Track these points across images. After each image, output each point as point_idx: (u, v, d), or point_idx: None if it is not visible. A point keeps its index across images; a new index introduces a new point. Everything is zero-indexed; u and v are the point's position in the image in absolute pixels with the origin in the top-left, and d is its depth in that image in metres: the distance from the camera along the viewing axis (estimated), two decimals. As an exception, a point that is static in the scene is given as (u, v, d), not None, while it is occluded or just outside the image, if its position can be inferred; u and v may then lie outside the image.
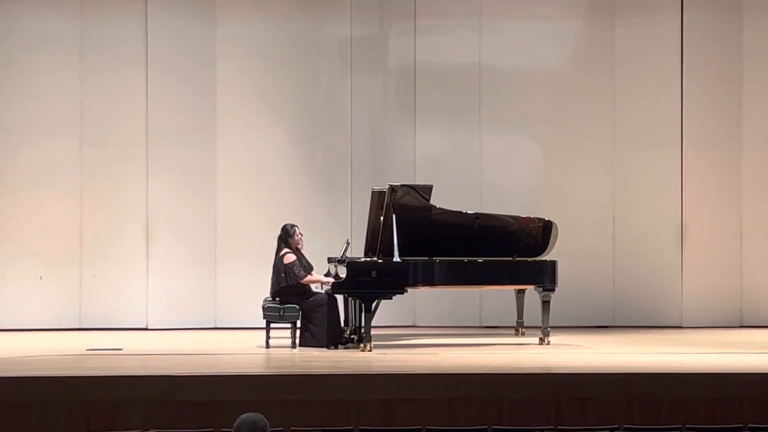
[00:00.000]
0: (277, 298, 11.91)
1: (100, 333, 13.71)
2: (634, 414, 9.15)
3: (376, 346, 11.67)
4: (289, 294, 11.86)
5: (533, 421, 8.95)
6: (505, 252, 12.24)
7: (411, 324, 14.56)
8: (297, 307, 11.81)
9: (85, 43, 14.37)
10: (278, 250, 11.99)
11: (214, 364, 10.72)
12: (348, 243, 12.50)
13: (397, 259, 11.61)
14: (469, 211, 12.40)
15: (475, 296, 14.54)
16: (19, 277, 14.17)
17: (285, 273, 11.83)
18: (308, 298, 11.90)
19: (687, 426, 8.43)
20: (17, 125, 14.29)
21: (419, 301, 14.41)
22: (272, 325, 11.94)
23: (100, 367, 10.33)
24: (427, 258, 11.86)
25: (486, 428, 8.33)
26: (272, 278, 12.00)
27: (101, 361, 10.87)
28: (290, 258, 11.89)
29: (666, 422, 8.94)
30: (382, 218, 11.95)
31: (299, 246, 12.06)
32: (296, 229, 12.06)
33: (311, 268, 12.03)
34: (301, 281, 11.84)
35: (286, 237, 12.01)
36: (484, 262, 12.05)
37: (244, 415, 5.79)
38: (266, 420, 5.77)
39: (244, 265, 14.19)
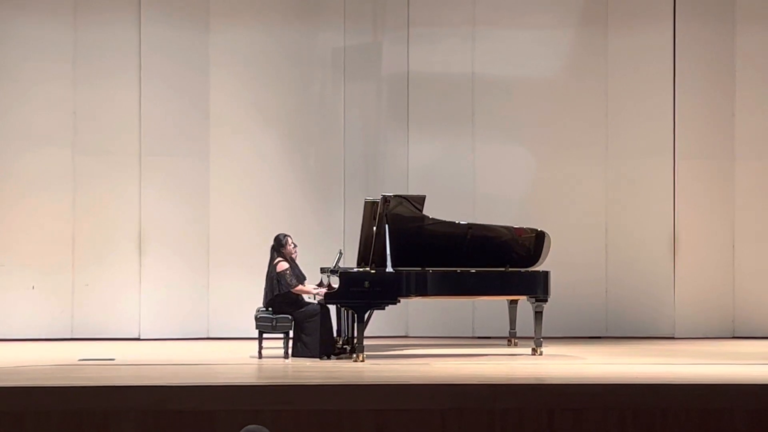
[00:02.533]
0: (270, 308, 11.90)
1: (92, 343, 13.69)
2: (626, 425, 9.14)
3: (369, 357, 11.67)
4: (281, 303, 11.86)
5: (526, 432, 8.96)
6: (497, 262, 12.24)
7: (404, 334, 14.56)
8: (290, 317, 11.81)
9: (78, 52, 14.37)
10: (271, 259, 11.99)
11: (206, 374, 10.70)
12: (341, 253, 12.50)
13: (389, 269, 11.61)
14: (461, 222, 12.40)
15: (467, 307, 14.55)
16: (11, 286, 14.14)
17: (278, 281, 11.83)
18: (301, 308, 11.90)
19: (680, 437, 8.45)
20: (10, 133, 14.27)
21: (412, 311, 14.41)
22: (265, 335, 11.94)
23: (93, 377, 10.32)
24: (420, 268, 11.86)
25: (479, 439, 8.33)
26: (265, 287, 12.00)
27: (94, 371, 10.84)
28: (283, 266, 11.89)
29: (659, 433, 8.95)
30: (375, 228, 11.94)
31: (293, 255, 12.07)
32: (289, 238, 12.06)
33: (304, 279, 12.02)
34: (292, 290, 11.84)
35: (279, 246, 12.01)
36: (476, 272, 12.04)
37: (248, 427, 5.79)
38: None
39: (237, 275, 14.18)
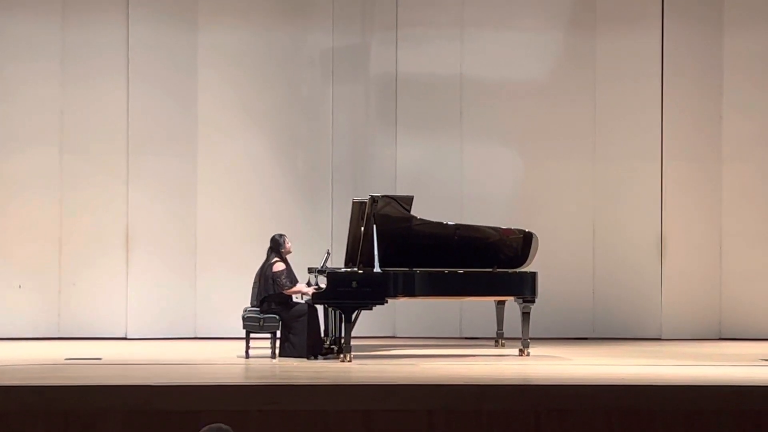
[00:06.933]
0: (257, 308, 11.89)
1: (79, 342, 13.67)
2: (613, 426, 9.15)
3: (356, 357, 11.67)
4: (271, 303, 11.85)
5: (513, 433, 8.96)
6: (485, 263, 12.25)
7: (391, 335, 14.56)
8: (277, 317, 11.80)
9: (66, 51, 14.34)
10: (268, 258, 11.97)
11: (193, 373, 10.69)
12: (328, 253, 12.49)
13: (377, 269, 11.61)
14: (449, 222, 12.42)
15: (455, 307, 14.55)
16: (-2, 285, 14.13)
17: (273, 281, 11.80)
18: (289, 308, 11.88)
19: (666, 438, 8.46)
20: (-3, 133, 14.26)
21: (399, 311, 14.41)
22: (252, 335, 11.93)
23: (79, 376, 10.30)
24: (407, 269, 11.87)
25: (466, 439, 8.33)
26: (257, 286, 11.94)
27: (80, 371, 10.83)
28: (279, 266, 11.87)
29: (645, 434, 8.97)
30: (362, 229, 11.95)
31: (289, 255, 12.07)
32: (285, 238, 12.05)
33: (296, 281, 12.00)
34: (284, 291, 11.83)
35: (277, 247, 11.99)
36: (464, 273, 12.05)
37: (209, 426, 5.79)
38: (231, 430, 5.76)
39: (224, 275, 14.17)
